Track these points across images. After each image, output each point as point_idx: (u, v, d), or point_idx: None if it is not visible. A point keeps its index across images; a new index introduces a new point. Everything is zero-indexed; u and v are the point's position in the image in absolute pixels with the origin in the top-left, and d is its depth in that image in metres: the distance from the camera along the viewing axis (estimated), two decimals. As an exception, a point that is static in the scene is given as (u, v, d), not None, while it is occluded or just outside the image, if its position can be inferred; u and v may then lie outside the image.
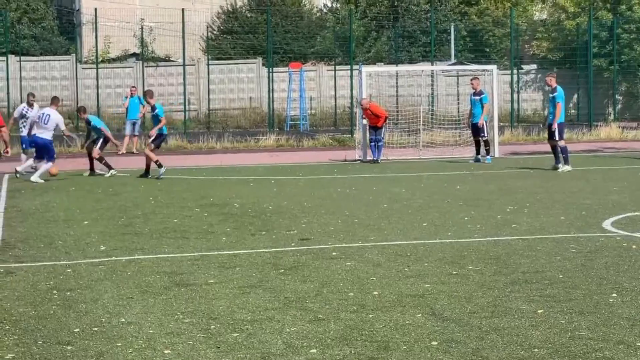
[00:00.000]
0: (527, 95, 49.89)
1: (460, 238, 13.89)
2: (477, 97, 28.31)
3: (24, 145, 25.54)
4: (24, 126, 25.41)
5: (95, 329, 8.87)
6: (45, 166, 23.31)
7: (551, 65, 49.60)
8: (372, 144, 29.30)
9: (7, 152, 21.33)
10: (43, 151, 23.61)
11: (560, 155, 24.74)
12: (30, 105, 26.17)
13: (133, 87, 36.50)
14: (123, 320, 9.17)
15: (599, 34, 47.11)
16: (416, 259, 12.21)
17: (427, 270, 11.45)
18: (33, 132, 23.65)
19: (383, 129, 29.51)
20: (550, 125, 24.88)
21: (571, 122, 44.44)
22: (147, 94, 25.47)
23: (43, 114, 23.77)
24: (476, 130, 28.11)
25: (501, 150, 30.99)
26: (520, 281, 10.70)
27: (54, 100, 24.68)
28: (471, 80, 29.19)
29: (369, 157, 29.32)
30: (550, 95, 25.97)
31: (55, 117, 23.61)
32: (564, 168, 24.51)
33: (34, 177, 23.00)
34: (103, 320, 9.21)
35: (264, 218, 16.39)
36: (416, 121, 33.71)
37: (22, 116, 25.98)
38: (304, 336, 8.49)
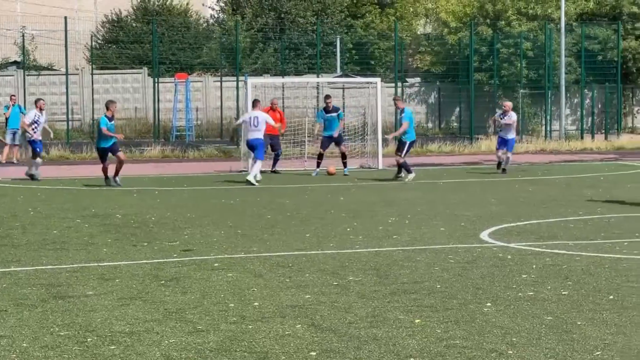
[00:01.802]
0: (411, 107, 50.32)
1: (342, 249, 13.96)
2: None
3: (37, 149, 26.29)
4: (35, 131, 26.44)
5: (-31, 343, 8.69)
6: None
7: (434, 79, 50.27)
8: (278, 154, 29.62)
9: None
10: None
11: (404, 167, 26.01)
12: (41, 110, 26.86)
13: (12, 95, 35.92)
14: (-2, 333, 9.00)
15: (479, 49, 47.90)
16: (298, 270, 12.23)
17: (308, 281, 11.48)
18: None
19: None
20: (400, 142, 26.46)
21: (453, 135, 45.14)
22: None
23: None
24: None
25: (385, 162, 31.24)
26: (400, 291, 10.80)
27: None
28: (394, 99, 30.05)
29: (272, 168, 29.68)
30: (400, 116, 27.55)
31: None
32: (409, 177, 25.64)
33: None
34: (-24, 333, 9.03)
35: (146, 229, 16.26)
36: (302, 132, 33.87)
37: (34, 122, 26.53)
38: (182, 348, 8.43)
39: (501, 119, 28.35)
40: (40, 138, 26.36)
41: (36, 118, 26.48)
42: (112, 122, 24.57)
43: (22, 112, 32.31)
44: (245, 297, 10.58)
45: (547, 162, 33.73)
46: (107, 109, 24.69)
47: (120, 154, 24.58)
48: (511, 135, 28.22)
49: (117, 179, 24.25)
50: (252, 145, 25.87)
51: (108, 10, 54.47)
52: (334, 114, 28.61)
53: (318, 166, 28.55)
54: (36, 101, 27.47)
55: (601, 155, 38.23)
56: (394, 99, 28.96)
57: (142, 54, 49.47)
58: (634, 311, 9.72)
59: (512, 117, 28.28)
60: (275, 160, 29.58)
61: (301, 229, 16.13)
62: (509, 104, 28.78)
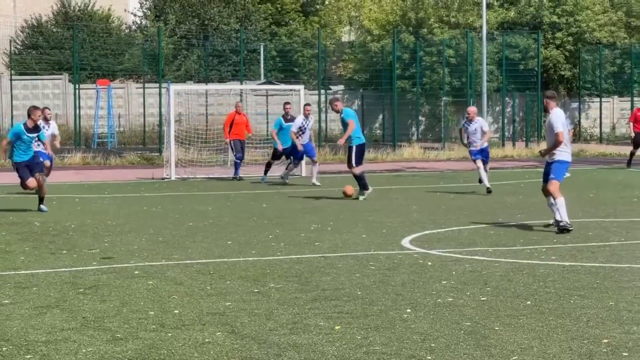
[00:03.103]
0: (334, 115, 50.40)
1: (263, 256, 13.96)
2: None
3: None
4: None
5: None
6: None
7: (357, 86, 50.46)
8: (238, 161, 29.48)
9: None
10: None
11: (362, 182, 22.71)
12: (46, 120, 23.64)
13: None
14: None
15: (402, 56, 48.21)
16: (219, 277, 12.22)
17: (229, 288, 11.47)
18: None
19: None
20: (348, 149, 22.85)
21: (376, 142, 45.32)
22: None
23: None
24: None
25: (308, 170, 31.26)
26: (320, 298, 10.84)
27: None
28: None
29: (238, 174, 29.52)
30: (341, 118, 23.34)
31: None
32: (365, 194, 22.27)
33: None
34: None
35: (65, 237, 16.12)
36: (224, 140, 33.76)
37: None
38: (100, 356, 8.37)
39: (467, 127, 24.14)
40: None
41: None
42: (34, 133, 20.13)
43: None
44: (165, 304, 10.54)
45: (469, 169, 34.05)
46: (29, 116, 20.09)
47: (36, 178, 20.03)
48: (485, 143, 24.24)
49: (41, 206, 20.20)
50: (306, 150, 26.93)
51: (27, 15, 53.87)
52: (292, 123, 27.34)
53: (266, 173, 28.50)
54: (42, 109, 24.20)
55: (522, 162, 38.66)
56: (330, 102, 24.18)
57: (62, 60, 49.00)
58: (550, 316, 9.85)
59: (481, 123, 24.38)
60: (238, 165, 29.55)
61: (223, 236, 16.10)
62: (473, 110, 24.86)
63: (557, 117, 16.48)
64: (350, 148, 22.33)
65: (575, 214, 17.68)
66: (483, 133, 24.03)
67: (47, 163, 22.44)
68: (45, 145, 20.49)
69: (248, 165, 31.58)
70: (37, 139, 20.30)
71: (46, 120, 23.56)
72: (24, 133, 19.71)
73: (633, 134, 33.04)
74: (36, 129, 20.09)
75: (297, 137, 26.78)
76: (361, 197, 22.13)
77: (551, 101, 16.76)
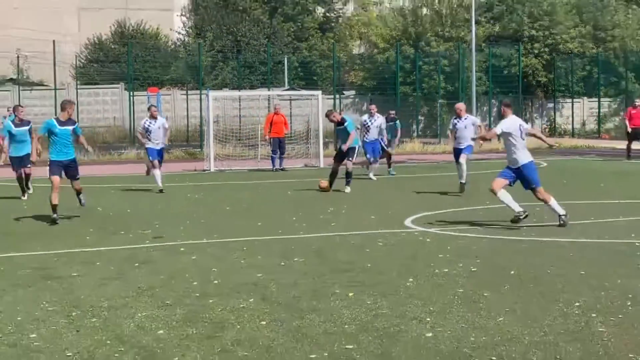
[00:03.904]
0: (346, 116, 50.46)
1: (288, 235, 13.98)
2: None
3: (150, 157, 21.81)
4: (149, 139, 21.73)
5: (-28, 317, 8.62)
6: None
7: (366, 92, 50.35)
8: (274, 155, 29.46)
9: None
10: None
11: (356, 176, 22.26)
12: (153, 117, 22.03)
13: (9, 108, 35.52)
14: (-5, 308, 8.95)
15: (404, 66, 48.07)
16: (251, 253, 12.24)
17: (259, 262, 11.50)
18: None
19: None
20: (349, 148, 20.97)
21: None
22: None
23: None
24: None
25: (325, 162, 31.20)
26: (337, 270, 10.85)
27: None
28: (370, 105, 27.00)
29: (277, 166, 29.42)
30: (344, 127, 21.10)
31: None
32: (349, 189, 20.87)
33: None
34: (-22, 309, 8.95)
35: (122, 220, 16.17)
36: (255, 137, 33.91)
37: (146, 130, 21.90)
38: (153, 320, 8.43)
39: (456, 124, 21.02)
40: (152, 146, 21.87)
41: (147, 125, 21.99)
42: (67, 126, 16.15)
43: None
44: (206, 276, 10.58)
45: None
46: (62, 109, 16.40)
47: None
48: (467, 142, 20.64)
49: (80, 197, 17.03)
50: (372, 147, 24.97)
51: (90, 34, 54.00)
52: (341, 127, 21.62)
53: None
54: (149, 108, 22.89)
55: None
56: (327, 115, 21.53)
57: (119, 72, 49.04)
58: (530, 284, 9.85)
59: (471, 119, 21.52)
60: (281, 159, 29.65)
61: (254, 219, 16.12)
62: (461, 106, 21.62)
63: (505, 122, 14.94)
64: (352, 148, 20.81)
65: (572, 196, 17.60)
66: (477, 127, 21.15)
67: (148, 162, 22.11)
68: (81, 140, 16.23)
69: (287, 158, 31.45)
70: (73, 132, 16.16)
71: (153, 117, 22.02)
72: (56, 126, 15.88)
73: (630, 129, 32.17)
74: (69, 122, 16.13)
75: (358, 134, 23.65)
76: (347, 190, 20.63)
77: (508, 109, 15.22)
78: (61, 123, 16.08)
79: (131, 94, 42.77)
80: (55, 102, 40.78)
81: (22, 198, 20.10)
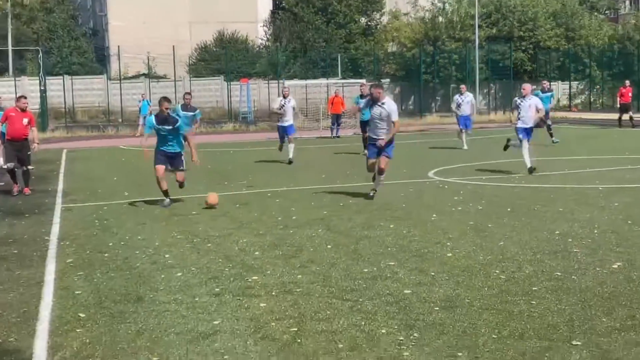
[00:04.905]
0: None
1: (344, 184, 13.90)
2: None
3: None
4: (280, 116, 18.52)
5: (122, 243, 8.81)
6: None
7: (398, 80, 49.76)
8: (333, 126, 29.58)
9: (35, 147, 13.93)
10: None
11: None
12: (285, 97, 18.53)
13: (143, 94, 35.95)
14: (139, 237, 9.12)
15: (425, 60, 47.43)
16: (319, 197, 12.25)
17: (324, 203, 11.53)
18: None
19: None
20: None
21: (410, 113, 44.77)
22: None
23: None
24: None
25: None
26: (380, 208, 10.84)
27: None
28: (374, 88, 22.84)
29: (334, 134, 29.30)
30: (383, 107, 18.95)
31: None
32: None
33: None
34: (127, 237, 9.14)
35: (233, 174, 16.19)
36: (318, 113, 33.93)
37: (281, 107, 18.51)
38: (251, 244, 8.53)
39: (460, 100, 21.62)
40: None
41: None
42: (165, 125, 11.77)
43: (149, 104, 32.42)
44: (288, 213, 10.65)
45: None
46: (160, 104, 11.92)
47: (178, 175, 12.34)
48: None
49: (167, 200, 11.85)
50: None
51: (199, 40, 54.19)
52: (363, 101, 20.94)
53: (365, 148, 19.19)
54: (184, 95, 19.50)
55: (500, 124, 37.81)
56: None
57: (219, 67, 49.11)
58: (522, 217, 9.77)
59: (471, 97, 21.85)
60: (338, 129, 29.63)
61: (320, 172, 16.12)
62: (464, 86, 22.28)
63: (393, 105, 11.66)
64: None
65: (538, 155, 17.35)
66: (472, 105, 21.56)
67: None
68: (188, 138, 11.95)
69: (342, 129, 31.36)
70: (172, 129, 11.66)
71: (285, 96, 18.68)
72: (154, 124, 11.79)
73: (619, 105, 30.83)
74: (166, 121, 11.63)
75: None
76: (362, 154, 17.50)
77: (379, 89, 11.68)
78: (158, 121, 11.76)
79: (229, 84, 42.86)
80: (175, 90, 41.17)
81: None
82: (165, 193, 11.77)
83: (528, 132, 15.12)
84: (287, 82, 32.58)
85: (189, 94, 19.33)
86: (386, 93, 12.91)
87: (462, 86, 22.94)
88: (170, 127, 11.73)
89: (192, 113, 18.24)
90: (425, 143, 25.10)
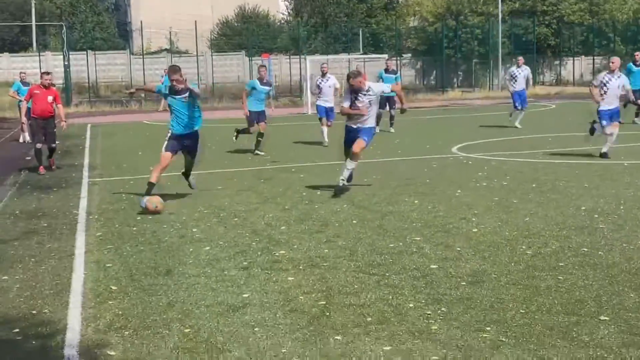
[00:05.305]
0: (405, 72, 49.69)
1: (367, 159, 13.77)
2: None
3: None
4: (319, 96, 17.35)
5: (150, 217, 8.88)
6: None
7: (420, 54, 49.40)
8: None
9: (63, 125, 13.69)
10: None
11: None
12: (323, 75, 17.59)
13: (165, 69, 35.93)
14: (166, 211, 9.18)
15: (448, 34, 47.00)
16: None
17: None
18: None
19: None
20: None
21: (432, 89, 44.53)
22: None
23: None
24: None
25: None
26: (404, 184, 10.84)
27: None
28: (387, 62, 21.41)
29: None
30: (394, 76, 19.73)
31: None
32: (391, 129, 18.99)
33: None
34: (155, 212, 9.20)
35: (250, 149, 16.21)
36: (340, 89, 33.68)
37: (317, 87, 17.55)
38: (277, 219, 8.58)
39: (516, 73, 19.90)
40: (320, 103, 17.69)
41: (318, 83, 17.85)
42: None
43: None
44: (312, 189, 10.67)
45: (491, 104, 33.23)
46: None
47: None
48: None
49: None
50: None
51: (220, 15, 54.08)
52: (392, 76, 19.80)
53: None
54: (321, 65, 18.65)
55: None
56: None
57: (241, 42, 49.04)
58: (547, 193, 9.74)
59: (528, 71, 20.27)
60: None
61: (341, 148, 16.04)
62: (522, 59, 20.55)
63: (376, 83, 10.96)
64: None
65: (574, 129, 17.23)
66: (529, 80, 19.91)
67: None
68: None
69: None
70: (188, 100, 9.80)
71: (323, 74, 17.61)
72: (166, 92, 10.06)
73: None
74: (180, 91, 9.82)
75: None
76: (392, 130, 17.99)
77: (359, 78, 10.22)
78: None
79: (250, 59, 42.81)
80: (197, 65, 41.21)
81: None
82: (150, 188, 9.52)
83: (612, 114, 12.99)
84: (308, 57, 32.47)
85: (264, 66, 16.71)
86: (407, 67, 12.58)
87: (520, 58, 20.70)
88: (185, 97, 9.60)
89: (269, 87, 16.16)
90: (447, 119, 24.96)
